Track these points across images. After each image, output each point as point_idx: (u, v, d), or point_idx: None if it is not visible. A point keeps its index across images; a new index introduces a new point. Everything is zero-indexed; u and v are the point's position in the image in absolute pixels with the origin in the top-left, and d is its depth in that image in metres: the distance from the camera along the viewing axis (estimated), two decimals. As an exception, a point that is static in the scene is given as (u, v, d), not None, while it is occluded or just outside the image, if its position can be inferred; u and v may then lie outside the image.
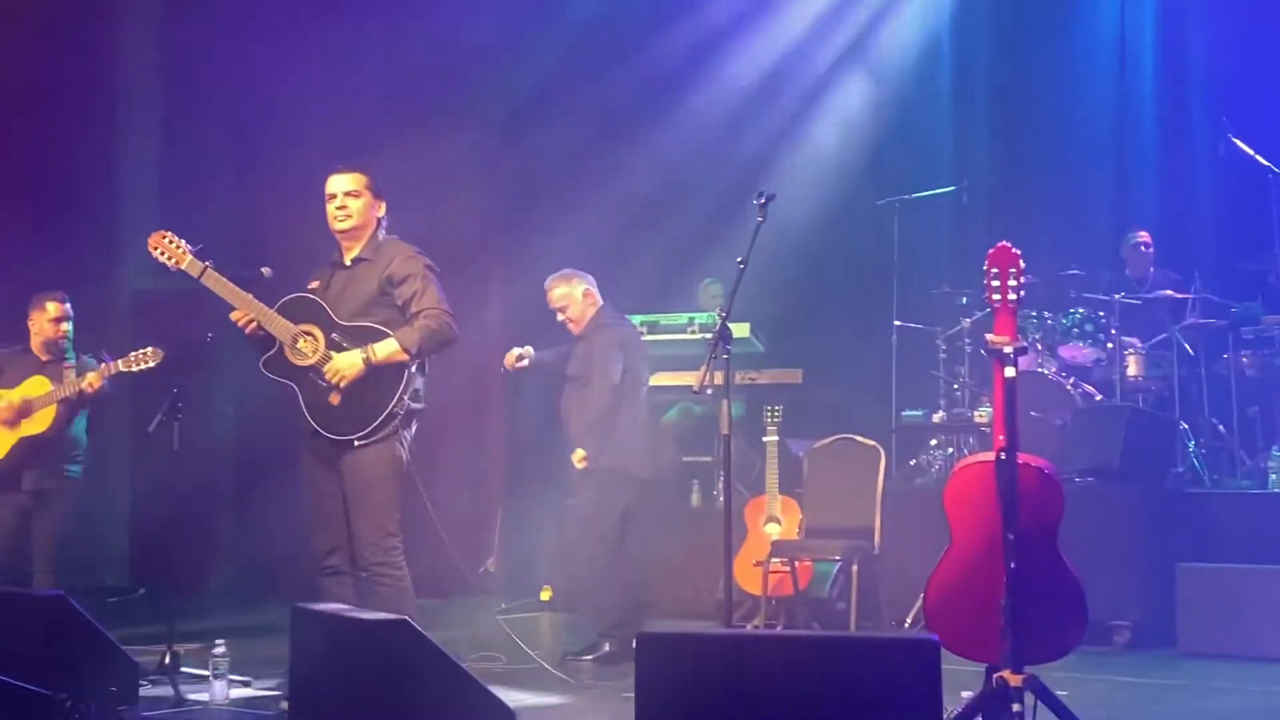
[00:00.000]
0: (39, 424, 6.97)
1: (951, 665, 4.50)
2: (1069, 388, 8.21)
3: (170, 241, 5.69)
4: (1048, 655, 4.39)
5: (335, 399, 5.49)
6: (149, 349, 6.76)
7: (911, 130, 10.05)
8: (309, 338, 5.55)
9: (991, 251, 4.42)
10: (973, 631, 4.36)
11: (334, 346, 5.52)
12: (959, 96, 10.16)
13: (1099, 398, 8.33)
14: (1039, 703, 4.29)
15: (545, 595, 8.94)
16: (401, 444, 5.57)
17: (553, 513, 9.06)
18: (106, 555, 10.06)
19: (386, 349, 5.46)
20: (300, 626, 4.85)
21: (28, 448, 6.97)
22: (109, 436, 9.12)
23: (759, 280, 9.13)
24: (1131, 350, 8.45)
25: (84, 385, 6.87)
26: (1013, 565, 4.20)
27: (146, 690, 5.82)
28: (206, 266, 5.63)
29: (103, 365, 6.90)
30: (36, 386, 6.99)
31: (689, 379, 7.31)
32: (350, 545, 5.58)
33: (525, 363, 7.39)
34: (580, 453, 7.21)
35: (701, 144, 9.74)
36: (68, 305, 7.21)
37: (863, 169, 9.87)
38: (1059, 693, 4.92)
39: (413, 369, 5.52)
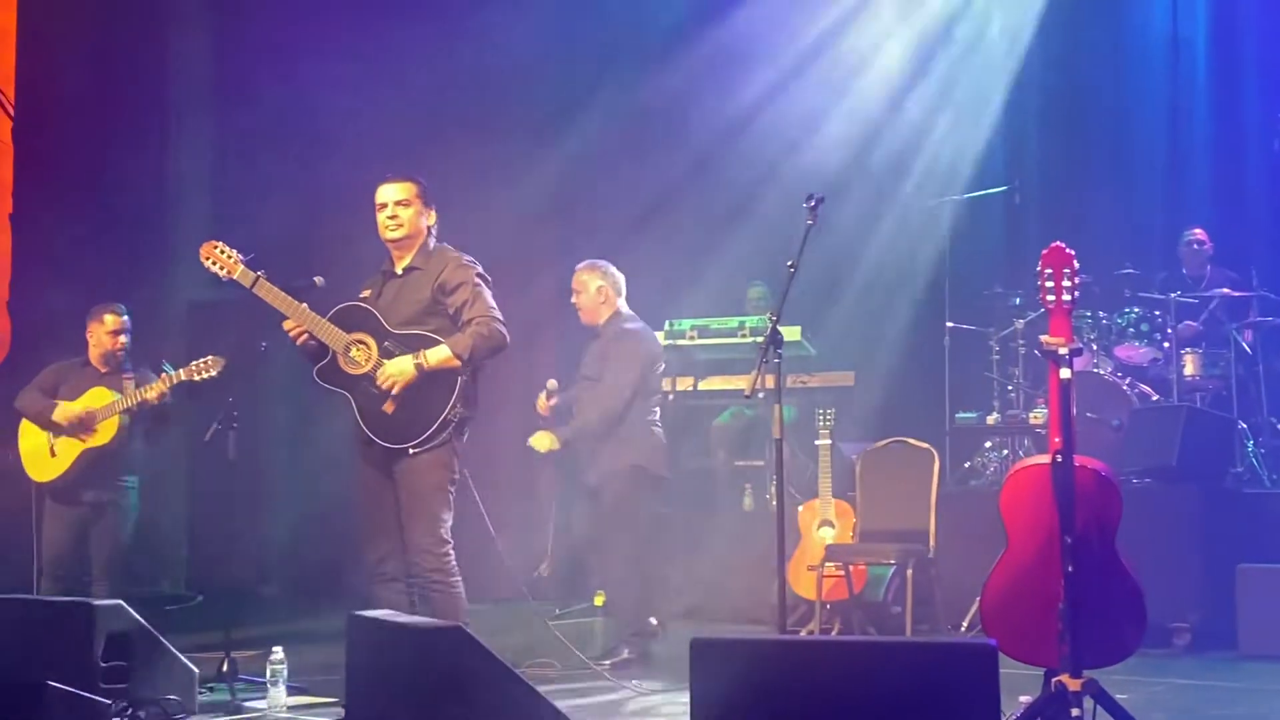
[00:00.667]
0: (102, 436, 7.02)
1: (1010, 670, 4.46)
2: (1125, 388, 8.13)
3: (222, 252, 5.75)
4: (1107, 659, 4.35)
5: (390, 407, 5.51)
6: (209, 358, 6.78)
7: (963, 130, 9.99)
8: (362, 346, 5.58)
9: (1045, 252, 4.39)
10: (1031, 635, 4.33)
11: (387, 355, 5.55)
12: (1011, 95, 10.08)
13: (1156, 398, 8.25)
14: (1098, 707, 4.25)
15: (599, 600, 8.93)
16: (454, 451, 5.59)
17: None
18: (165, 564, 10.12)
19: (438, 355, 5.49)
20: (355, 633, 4.86)
21: (90, 460, 7.03)
22: (167, 446, 9.20)
23: (811, 283, 9.16)
24: (1188, 349, 8.35)
25: (147, 395, 6.91)
26: (1070, 569, 4.17)
27: (204, 697, 5.85)
28: (259, 276, 5.68)
29: (164, 375, 6.94)
30: (99, 398, 7.04)
31: (740, 383, 7.31)
32: (403, 552, 5.61)
33: (555, 400, 7.43)
34: (547, 438, 7.27)
35: (752, 147, 9.71)
36: (125, 317, 7.24)
37: (914, 170, 9.82)
38: (1118, 696, 4.88)
39: (465, 376, 5.53)
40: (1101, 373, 8.25)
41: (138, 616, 5.56)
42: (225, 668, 6.15)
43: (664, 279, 9.73)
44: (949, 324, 8.95)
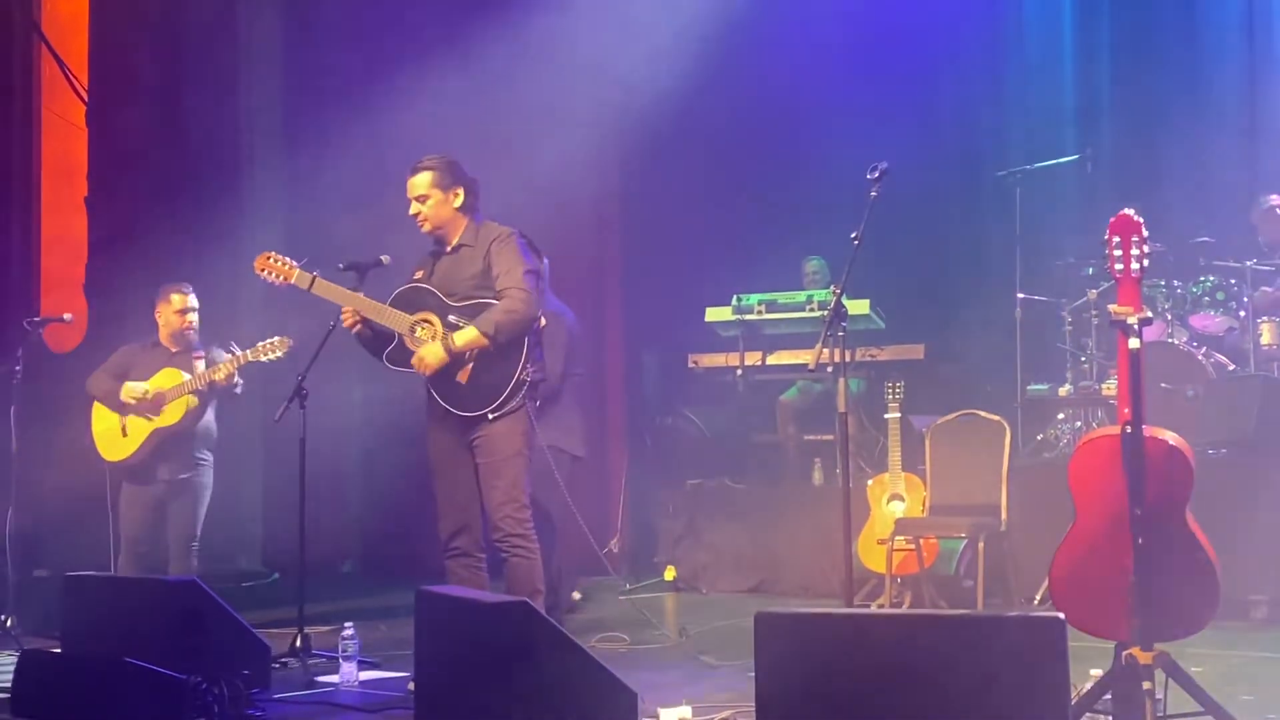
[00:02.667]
0: (172, 415, 7.11)
1: (1080, 643, 4.42)
2: (1200, 358, 8.00)
3: (274, 260, 5.90)
4: (1178, 632, 4.30)
5: (463, 377, 5.62)
6: (277, 339, 6.87)
7: (1034, 99, 9.87)
8: (426, 325, 5.69)
9: (1113, 220, 4.31)
10: (1101, 609, 4.28)
11: (452, 328, 5.64)
12: (1081, 62, 9.95)
13: (1232, 368, 8.12)
14: (1170, 680, 4.20)
15: (669, 575, 8.98)
16: (529, 417, 5.72)
17: (677, 493, 9.10)
18: (242, 541, 10.25)
19: (466, 336, 5.60)
20: (424, 609, 4.91)
21: (162, 439, 7.11)
22: (244, 425, 9.30)
23: (880, 256, 9.07)
24: (1265, 318, 8.21)
25: (215, 376, 6.98)
26: (1140, 541, 4.12)
27: (278, 673, 5.94)
28: (315, 276, 5.83)
29: (231, 356, 7.01)
30: (169, 378, 7.12)
31: (807, 357, 7.27)
32: (476, 527, 5.72)
33: None
34: None
35: (819, 119, 9.64)
36: (192, 296, 7.31)
37: (984, 140, 9.72)
38: (1192, 669, 4.82)
39: (530, 338, 5.65)
40: (1176, 343, 8.12)
41: (212, 593, 5.65)
42: (298, 643, 6.22)
43: (730, 254, 9.72)
44: (1020, 295, 8.84)
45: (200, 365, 7.13)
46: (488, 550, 5.80)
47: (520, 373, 5.61)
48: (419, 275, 5.85)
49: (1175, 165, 9.26)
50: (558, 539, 7.06)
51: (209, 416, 7.29)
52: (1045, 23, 10.03)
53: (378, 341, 5.79)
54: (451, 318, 5.66)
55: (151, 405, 7.07)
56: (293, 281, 5.85)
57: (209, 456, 7.34)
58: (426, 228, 5.83)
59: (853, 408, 9.17)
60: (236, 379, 7.05)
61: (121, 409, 7.13)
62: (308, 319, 6.81)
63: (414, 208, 5.82)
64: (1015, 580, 7.36)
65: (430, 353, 5.61)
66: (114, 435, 7.16)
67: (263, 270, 5.91)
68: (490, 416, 5.61)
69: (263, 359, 6.89)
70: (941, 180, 9.53)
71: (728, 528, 8.91)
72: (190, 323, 7.27)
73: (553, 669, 4.37)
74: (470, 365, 5.61)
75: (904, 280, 9.35)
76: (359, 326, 5.76)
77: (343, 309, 5.77)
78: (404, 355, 5.71)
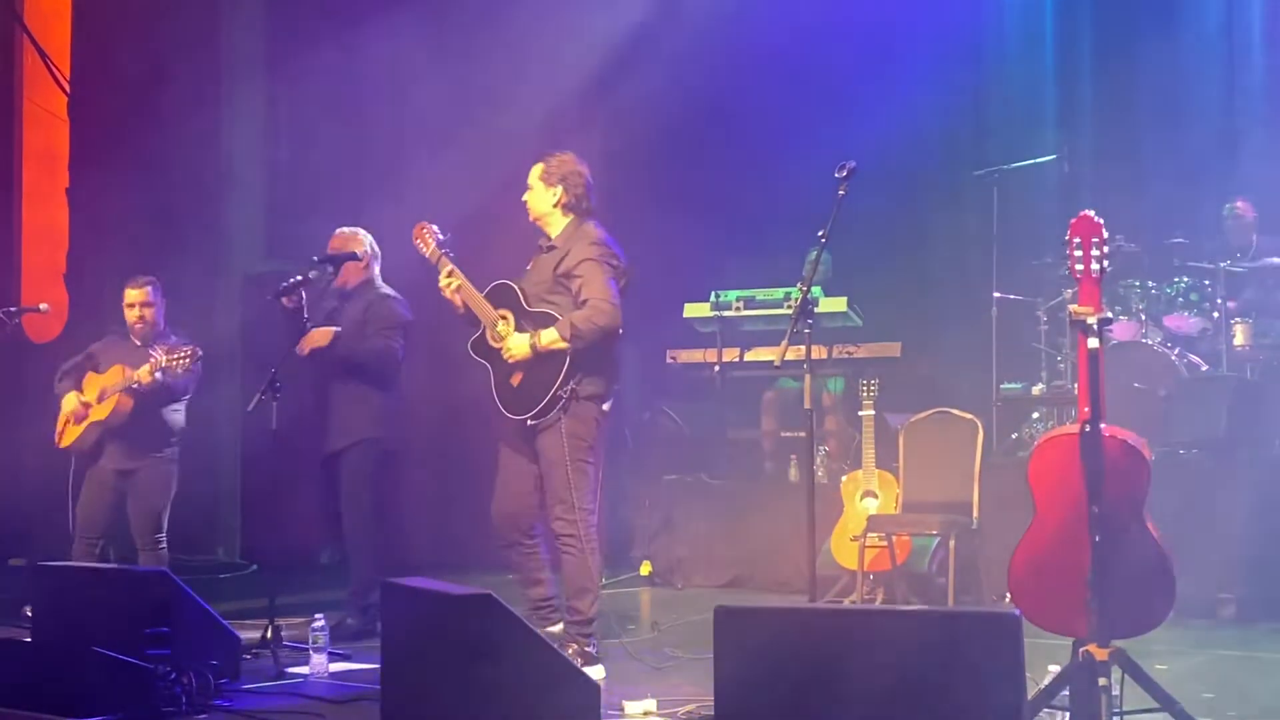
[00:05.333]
0: (101, 412, 7.13)
1: (1039, 639, 4.48)
2: (1174, 358, 8.04)
3: (425, 232, 6.23)
4: (1135, 629, 4.34)
5: (516, 380, 5.95)
6: (188, 349, 6.92)
7: (1013, 99, 9.90)
8: (505, 322, 6.01)
9: (1074, 221, 4.34)
10: (1059, 605, 4.33)
11: (522, 331, 5.96)
12: (1061, 62, 9.98)
13: (1205, 368, 8.17)
14: (1126, 676, 4.24)
15: (644, 570, 9.01)
16: (591, 422, 5.95)
17: (653, 488, 9.12)
18: (220, 532, 10.29)
19: (549, 336, 5.87)
20: (390, 601, 4.94)
21: (100, 432, 7.14)
22: (221, 416, 9.34)
23: (857, 253, 9.15)
24: (1238, 319, 8.25)
25: (139, 376, 6.97)
26: (1097, 539, 4.16)
27: (248, 663, 5.96)
28: (443, 255, 6.14)
29: (152, 359, 6.99)
30: (114, 375, 7.14)
31: (791, 354, 7.26)
32: (525, 516, 6.08)
33: None
34: None
35: (797, 115, 9.66)
36: (145, 290, 7.29)
37: (962, 139, 9.75)
38: (1157, 667, 4.87)
39: (576, 355, 5.84)
40: (1150, 343, 8.16)
41: (182, 584, 5.67)
42: (269, 634, 6.24)
43: (708, 250, 9.74)
44: (996, 294, 8.89)
45: (149, 362, 7.08)
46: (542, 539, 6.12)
47: (558, 387, 5.84)
48: (529, 268, 6.18)
49: (1152, 166, 9.30)
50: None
51: (167, 411, 7.26)
52: (1026, 22, 10.06)
53: (472, 325, 6.14)
54: (523, 321, 5.98)
55: (96, 399, 7.10)
56: (427, 255, 6.19)
57: (166, 451, 7.31)
58: (531, 217, 6.16)
59: (834, 405, 9.25)
60: (161, 380, 7.00)
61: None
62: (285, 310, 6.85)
63: (524, 195, 6.16)
64: (987, 577, 7.38)
65: (517, 344, 5.91)
66: (68, 422, 7.22)
67: (416, 239, 6.23)
68: (529, 423, 5.91)
69: (176, 369, 6.91)
70: (920, 178, 9.56)
71: (704, 523, 8.95)
72: (141, 318, 7.25)
73: (515, 661, 4.40)
74: (523, 371, 5.92)
75: (881, 278, 9.38)
76: (457, 300, 6.09)
77: (442, 276, 6.09)
78: (482, 346, 6.07)
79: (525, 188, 6.17)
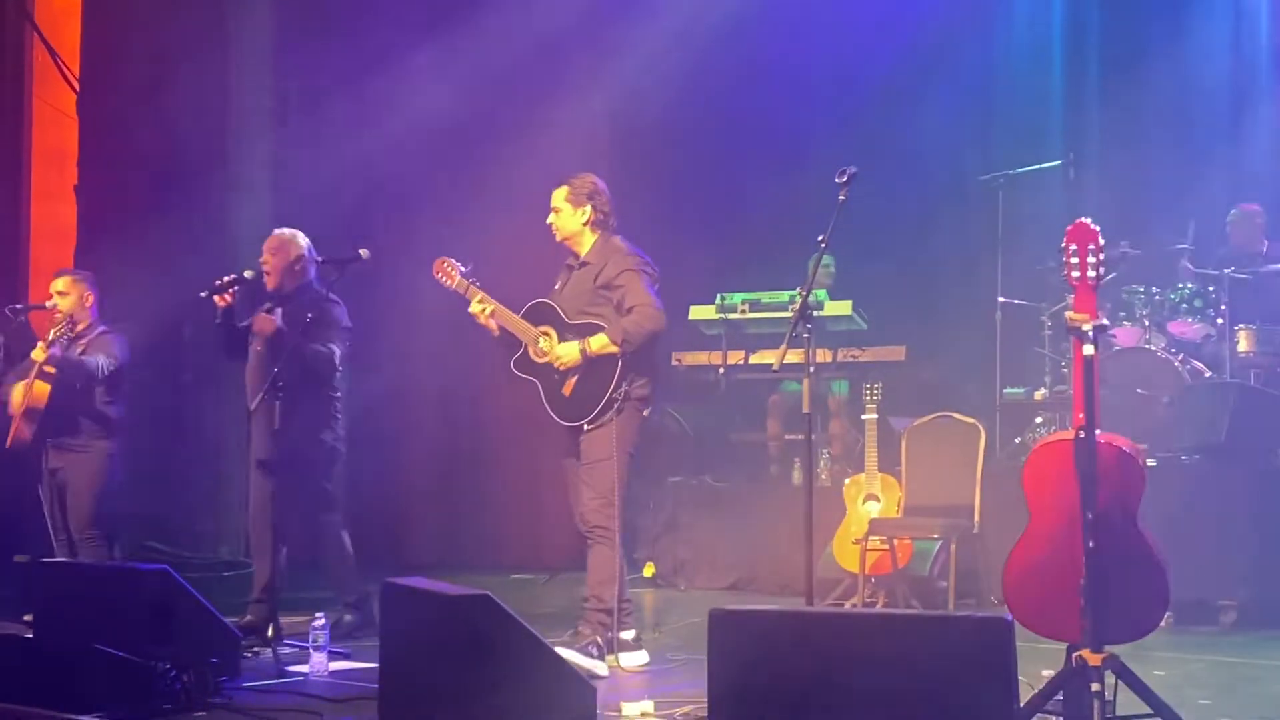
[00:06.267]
0: (25, 399, 7.23)
1: (1033, 644, 4.50)
2: (1177, 364, 8.05)
3: (447, 265, 6.39)
4: (1128, 635, 4.35)
5: (568, 389, 6.18)
6: (67, 325, 7.22)
7: (1019, 104, 9.91)
8: (547, 337, 6.24)
9: (1070, 228, 4.37)
10: (1052, 610, 4.34)
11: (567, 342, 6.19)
12: (1068, 68, 9.99)
13: (1209, 374, 8.17)
14: (1120, 682, 4.26)
15: (648, 571, 9.03)
16: (633, 425, 6.21)
17: (657, 489, 9.14)
18: (225, 531, 10.31)
19: (599, 342, 6.12)
20: (389, 600, 4.96)
21: (35, 428, 7.25)
22: (227, 415, 9.35)
23: (862, 257, 9.15)
24: (1243, 325, 8.25)
25: (34, 356, 7.18)
26: (1091, 544, 4.17)
27: (248, 661, 5.98)
28: (470, 285, 6.33)
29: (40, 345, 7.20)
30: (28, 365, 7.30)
31: (793, 357, 7.30)
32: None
33: None
34: None
35: (804, 119, 9.68)
36: (57, 281, 7.51)
37: (968, 144, 9.76)
38: (1156, 672, 4.89)
39: (627, 358, 6.09)
40: (1153, 349, 8.18)
41: (183, 581, 5.69)
42: (270, 632, 6.26)
43: (714, 253, 9.75)
44: (1001, 299, 8.90)
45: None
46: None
47: (614, 390, 6.10)
48: (557, 286, 6.41)
49: (1157, 173, 9.32)
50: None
51: (94, 400, 7.36)
52: (1034, 27, 10.06)
53: (508, 346, 6.34)
54: (567, 334, 6.19)
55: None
56: (453, 288, 6.36)
57: (96, 443, 7.40)
58: (559, 237, 6.38)
59: (839, 409, 9.26)
60: (57, 357, 7.16)
61: None
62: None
63: (550, 218, 6.36)
64: (988, 582, 7.40)
65: (567, 352, 6.15)
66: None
67: (438, 274, 6.41)
68: (586, 427, 6.14)
69: (61, 342, 7.20)
70: (925, 183, 9.58)
71: (708, 525, 8.97)
72: (56, 308, 7.40)
73: (512, 662, 4.43)
74: (574, 379, 6.16)
75: (886, 282, 9.39)
76: (491, 325, 6.30)
77: (473, 304, 6.28)
78: (526, 363, 6.29)
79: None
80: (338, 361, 6.87)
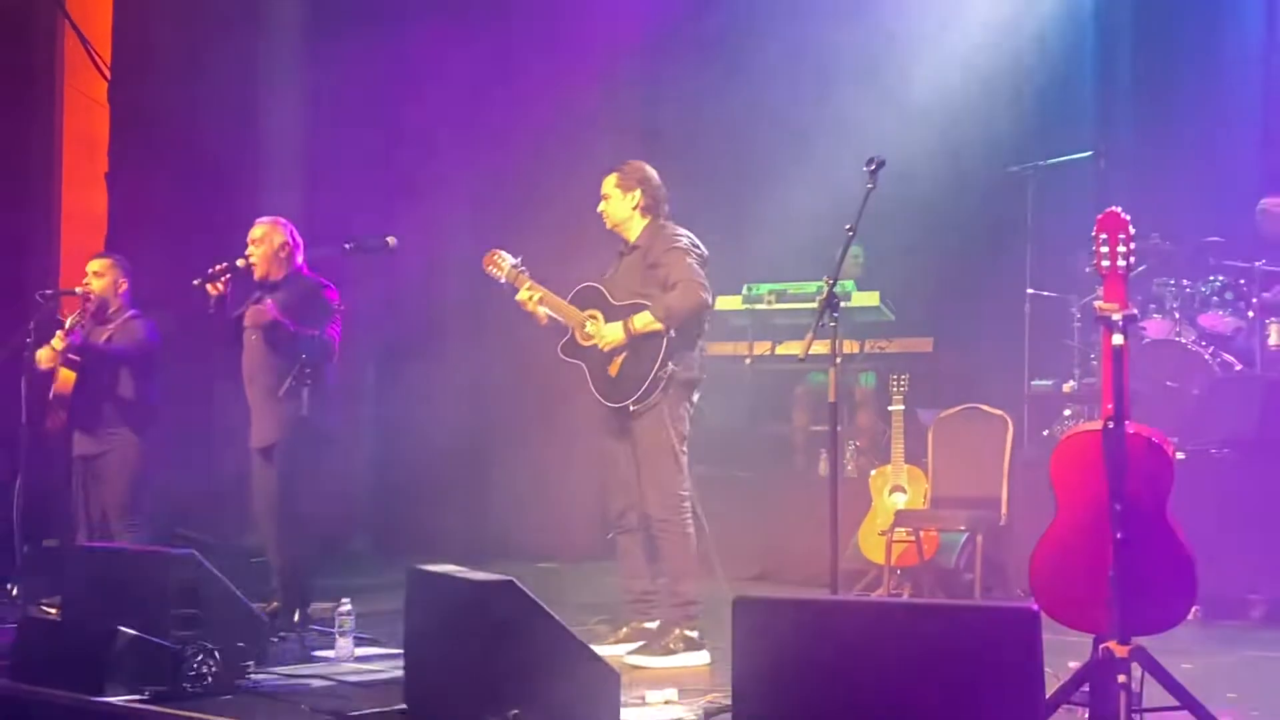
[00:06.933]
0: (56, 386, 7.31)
1: (1059, 636, 4.47)
2: (1207, 357, 8.00)
3: (498, 257, 6.45)
4: (1155, 627, 4.32)
5: (614, 369, 6.16)
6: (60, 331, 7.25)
7: (1050, 94, 9.84)
8: (594, 321, 6.24)
9: (1100, 217, 4.34)
10: (1079, 601, 4.32)
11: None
12: (1101, 59, 9.91)
13: (1239, 367, 8.11)
14: (1146, 674, 4.23)
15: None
16: (681, 409, 6.18)
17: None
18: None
19: (643, 320, 6.09)
20: (414, 586, 4.97)
21: (66, 417, 7.30)
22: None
23: (890, 248, 9.13)
24: (1273, 319, 8.19)
25: (53, 344, 7.22)
26: (1119, 535, 4.15)
27: (274, 646, 6.01)
28: (520, 273, 6.40)
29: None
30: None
31: (820, 347, 7.28)
32: (639, 504, 6.23)
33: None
34: None
35: (833, 108, 9.63)
36: (93, 262, 7.60)
37: (998, 135, 9.70)
38: (1183, 665, 4.85)
39: (672, 337, 6.07)
40: (1183, 341, 8.12)
41: (210, 566, 5.71)
42: (296, 618, 6.29)
43: (740, 243, 9.72)
44: (1030, 290, 8.84)
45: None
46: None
47: (658, 369, 6.06)
48: (609, 273, 6.40)
49: (1188, 164, 9.23)
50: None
51: (121, 387, 7.38)
52: (1066, 17, 9.98)
53: (559, 333, 6.36)
54: (615, 317, 6.17)
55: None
56: (504, 280, 6.42)
57: (123, 431, 7.40)
58: (609, 224, 6.39)
59: (866, 400, 9.24)
60: (76, 345, 7.23)
61: None
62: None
63: (600, 205, 6.37)
64: (1014, 574, 7.37)
65: (611, 331, 6.14)
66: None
67: (489, 266, 6.45)
68: (631, 408, 6.10)
69: (78, 329, 7.27)
70: (955, 173, 9.51)
71: (733, 516, 8.93)
72: (88, 289, 7.48)
73: (536, 648, 4.43)
74: (620, 359, 6.14)
75: (914, 273, 9.35)
76: (539, 313, 6.34)
77: (520, 291, 6.33)
78: (572, 347, 6.30)
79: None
80: (334, 348, 6.79)
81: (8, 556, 7.19)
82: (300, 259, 7.01)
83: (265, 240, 6.92)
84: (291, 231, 7.03)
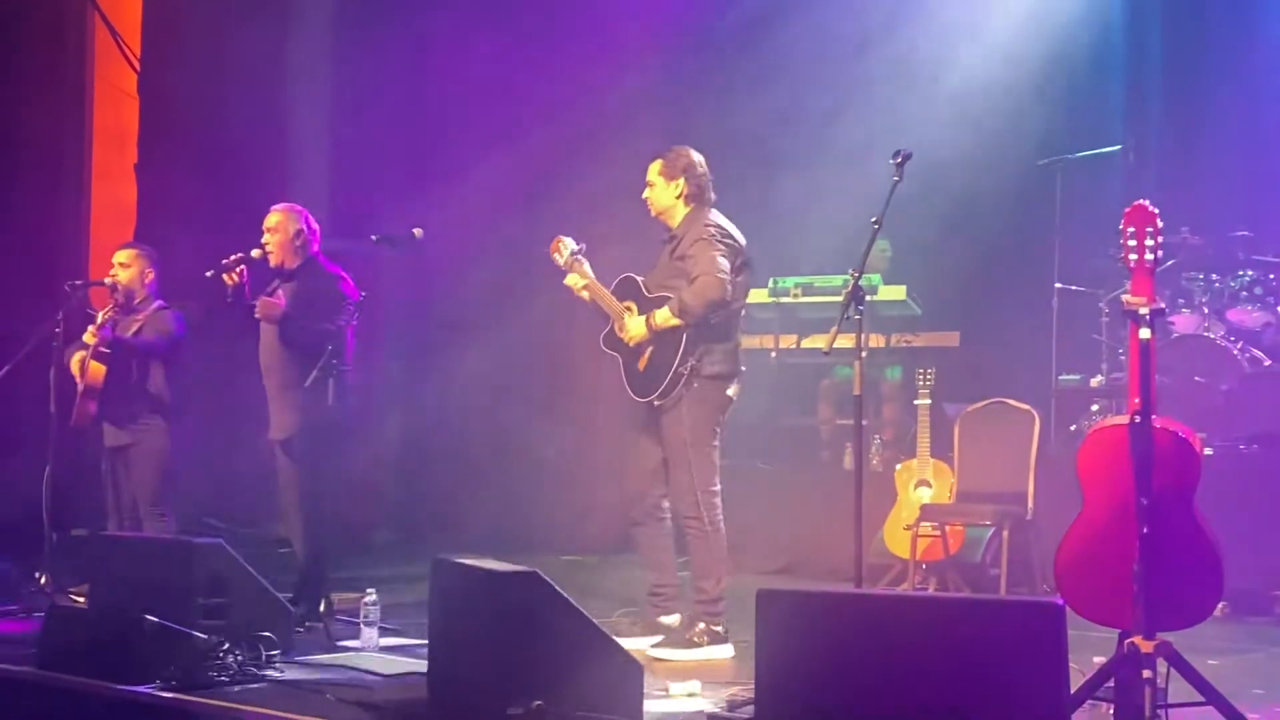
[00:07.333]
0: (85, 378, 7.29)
1: (1085, 631, 4.45)
2: (1236, 353, 7.96)
3: (562, 243, 6.47)
4: (1181, 623, 4.30)
5: (643, 364, 6.18)
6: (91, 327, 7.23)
7: (1079, 87, 9.79)
8: (630, 312, 6.25)
9: (1128, 210, 4.32)
10: (1105, 597, 4.30)
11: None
12: (1130, 52, 9.86)
13: (1268, 363, 8.07)
14: (1172, 670, 4.21)
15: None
16: (712, 404, 6.13)
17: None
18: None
19: (662, 315, 6.07)
20: (438, 577, 4.99)
21: (96, 409, 7.29)
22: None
23: (918, 241, 9.09)
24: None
25: (85, 339, 7.21)
26: (1145, 530, 4.13)
27: (300, 636, 6.03)
28: (576, 259, 6.42)
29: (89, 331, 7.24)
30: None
31: (845, 340, 7.28)
32: (652, 495, 6.26)
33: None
34: None
35: (861, 100, 9.61)
36: (120, 253, 7.59)
37: (1027, 128, 9.65)
38: (1210, 661, 4.83)
39: (692, 331, 6.03)
40: (1212, 336, 8.08)
41: (237, 556, 5.74)
42: (322, 608, 6.31)
43: (766, 236, 9.70)
44: (1058, 285, 8.80)
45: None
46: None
47: (679, 365, 6.02)
48: (659, 261, 6.35)
49: (1218, 158, 9.17)
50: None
51: (148, 378, 7.38)
52: (1096, 9, 9.93)
53: (600, 318, 6.41)
54: (648, 310, 6.17)
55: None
56: (561, 265, 6.43)
57: (151, 420, 7.38)
58: (651, 211, 6.35)
59: (893, 394, 9.22)
60: (108, 338, 7.20)
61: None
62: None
63: (645, 192, 6.33)
64: (1040, 570, 7.35)
65: (635, 326, 6.16)
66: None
67: (553, 252, 6.48)
68: (656, 403, 6.09)
69: (88, 338, 7.19)
70: (983, 167, 9.47)
71: (757, 509, 8.92)
72: (115, 279, 7.48)
73: (559, 639, 4.44)
74: (648, 354, 6.15)
75: (941, 267, 9.31)
76: (586, 296, 6.39)
77: (570, 276, 6.39)
78: (612, 338, 6.32)
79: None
80: (345, 339, 6.61)
81: (36, 545, 7.21)
82: (316, 247, 7.00)
83: (280, 228, 6.91)
84: (306, 218, 7.00)
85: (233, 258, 6.68)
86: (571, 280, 6.39)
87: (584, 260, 6.43)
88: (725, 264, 6.04)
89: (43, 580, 7.12)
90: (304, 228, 6.93)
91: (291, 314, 6.66)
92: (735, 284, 6.12)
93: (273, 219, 6.94)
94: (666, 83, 9.82)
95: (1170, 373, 7.62)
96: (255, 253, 6.78)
